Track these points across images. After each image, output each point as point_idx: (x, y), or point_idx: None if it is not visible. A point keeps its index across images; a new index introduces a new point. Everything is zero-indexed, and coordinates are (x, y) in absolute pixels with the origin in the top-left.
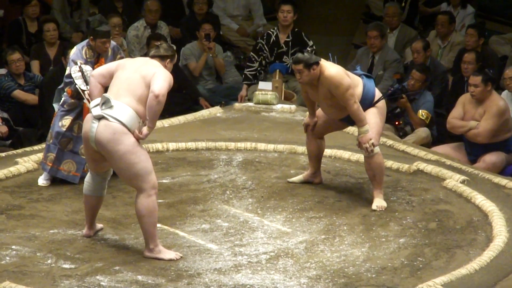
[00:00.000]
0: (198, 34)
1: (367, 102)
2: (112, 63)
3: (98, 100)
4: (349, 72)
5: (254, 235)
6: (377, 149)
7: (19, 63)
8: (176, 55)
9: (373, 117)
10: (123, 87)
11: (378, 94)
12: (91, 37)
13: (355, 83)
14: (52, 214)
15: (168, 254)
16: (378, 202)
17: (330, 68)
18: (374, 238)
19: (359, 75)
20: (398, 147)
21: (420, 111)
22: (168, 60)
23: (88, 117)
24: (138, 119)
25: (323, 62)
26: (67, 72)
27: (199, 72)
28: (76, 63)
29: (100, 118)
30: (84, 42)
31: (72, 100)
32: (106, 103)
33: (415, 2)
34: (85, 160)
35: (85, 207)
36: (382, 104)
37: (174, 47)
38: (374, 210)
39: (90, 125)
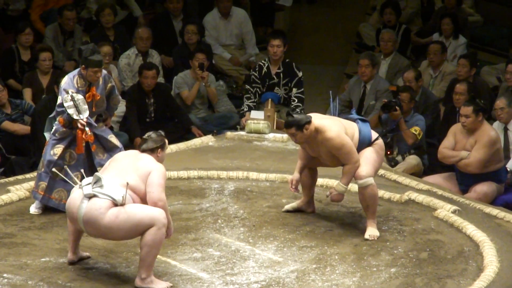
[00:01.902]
0: (191, 63)
1: (364, 145)
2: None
3: (89, 179)
4: (344, 120)
5: (246, 264)
6: (371, 180)
7: (1, 94)
8: (166, 142)
9: (369, 152)
10: (114, 173)
11: (374, 135)
12: (83, 66)
13: (351, 133)
14: (44, 242)
15: (159, 284)
16: (371, 231)
17: (330, 130)
18: (365, 267)
19: (354, 120)
20: (390, 177)
21: (413, 127)
22: (159, 150)
23: (73, 198)
24: (129, 199)
25: (319, 121)
26: (58, 101)
27: (192, 101)
28: (67, 92)
29: (90, 196)
30: (76, 71)
31: (64, 129)
32: (97, 182)
33: (408, 33)
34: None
35: (69, 230)
36: (379, 143)
37: (163, 133)
38: (367, 239)
39: (79, 205)
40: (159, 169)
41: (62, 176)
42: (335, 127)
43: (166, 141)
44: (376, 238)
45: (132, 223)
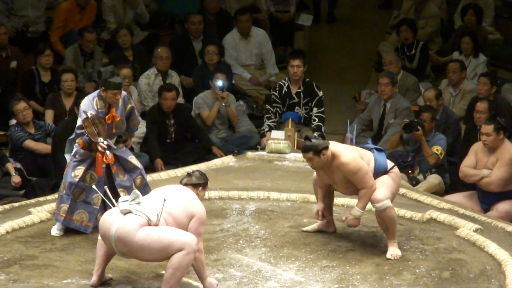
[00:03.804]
0: (211, 83)
1: (380, 174)
2: None
3: (127, 197)
4: (360, 148)
5: (268, 285)
6: (388, 203)
7: (25, 112)
8: (208, 182)
9: (385, 178)
10: (155, 199)
11: (390, 164)
12: (103, 88)
13: (367, 160)
14: (66, 264)
15: None
16: (393, 251)
17: (345, 155)
18: (387, 287)
19: (370, 149)
20: (411, 196)
21: (434, 146)
22: (201, 188)
23: (107, 213)
24: (164, 221)
25: (336, 147)
26: (78, 123)
27: (212, 121)
28: (86, 114)
29: (126, 213)
30: (95, 93)
31: (84, 151)
32: (135, 199)
33: (426, 50)
34: (98, 210)
35: (99, 253)
36: (395, 171)
37: (207, 175)
38: (389, 259)
39: (113, 221)
40: (202, 217)
41: (109, 199)
42: (350, 152)
43: (208, 181)
44: (398, 258)
45: (162, 244)
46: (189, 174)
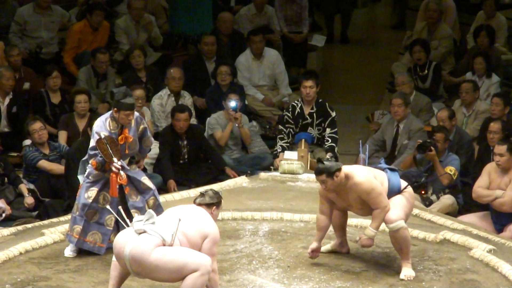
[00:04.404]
0: (224, 104)
1: (394, 194)
2: None
3: (141, 217)
4: (373, 169)
5: None
6: (402, 223)
7: (41, 132)
8: (222, 201)
9: (399, 198)
10: (170, 219)
11: (403, 184)
12: (115, 109)
13: (380, 180)
14: (79, 285)
15: None
16: (407, 272)
17: (359, 175)
18: None
19: (383, 169)
20: (424, 217)
21: (447, 167)
22: (214, 207)
23: (122, 233)
24: (178, 242)
25: (348, 168)
26: (91, 144)
27: (225, 142)
28: (99, 135)
29: (140, 232)
30: (108, 114)
31: (97, 172)
32: (149, 218)
33: (438, 70)
34: (111, 231)
35: (113, 274)
36: (409, 191)
37: (220, 194)
38: (402, 279)
39: (127, 241)
40: (215, 237)
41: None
42: (364, 172)
43: (222, 201)
44: (411, 278)
45: (177, 265)
46: (202, 194)
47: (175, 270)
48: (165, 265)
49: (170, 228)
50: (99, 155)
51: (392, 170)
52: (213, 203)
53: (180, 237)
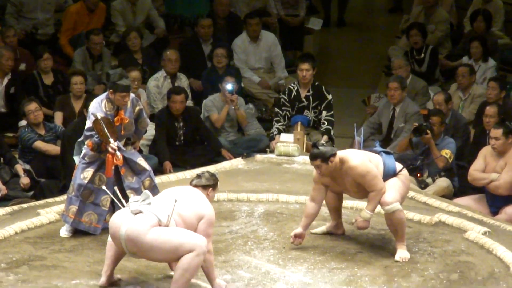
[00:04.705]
0: (220, 86)
1: (389, 177)
2: None
3: (137, 198)
4: (368, 153)
5: (276, 286)
6: (397, 206)
7: (36, 113)
8: (218, 184)
9: (395, 181)
10: (166, 199)
11: (399, 167)
12: (111, 90)
13: (375, 163)
14: (74, 265)
15: None
16: (401, 253)
17: (353, 159)
18: None
19: (378, 152)
20: (420, 199)
21: (443, 150)
22: (211, 189)
23: (117, 213)
24: (174, 223)
25: (343, 152)
26: (87, 125)
27: (221, 124)
28: (96, 116)
29: (136, 213)
30: (104, 95)
31: (93, 153)
32: (145, 199)
33: (435, 54)
34: (106, 212)
35: (108, 254)
36: (404, 173)
37: (216, 176)
38: (397, 261)
39: (123, 220)
40: (211, 218)
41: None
42: (358, 156)
43: (219, 183)
44: (406, 260)
45: (173, 245)
46: (198, 176)
47: (170, 250)
48: (161, 245)
49: (166, 208)
50: (95, 136)
51: (387, 153)
52: (209, 185)
53: (175, 218)
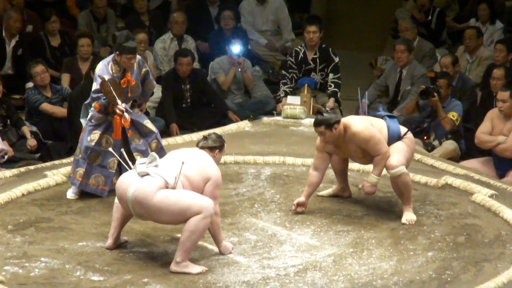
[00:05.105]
0: (227, 48)
1: (394, 141)
2: None
3: (144, 160)
4: (371, 117)
5: (282, 248)
6: (403, 169)
7: (43, 75)
8: (225, 145)
9: (399, 144)
10: (172, 160)
11: (403, 130)
12: (117, 52)
13: (379, 128)
14: (81, 227)
15: (194, 268)
16: (408, 216)
17: (356, 124)
18: (402, 251)
19: (382, 116)
20: (427, 162)
21: (450, 112)
22: (217, 150)
23: (124, 176)
24: (181, 185)
25: (346, 119)
26: (94, 87)
27: (228, 86)
28: (103, 78)
29: (143, 175)
30: (110, 57)
31: (100, 115)
32: (152, 161)
33: (442, 16)
34: (113, 174)
35: (115, 216)
36: (409, 137)
37: (223, 137)
38: (404, 224)
39: (130, 183)
40: (217, 180)
41: (125, 161)
42: (361, 121)
43: (225, 144)
44: (413, 223)
45: (180, 207)
46: (205, 137)
47: (178, 212)
48: (168, 207)
49: (173, 170)
50: (102, 98)
51: (390, 117)
52: (216, 147)
53: (182, 179)
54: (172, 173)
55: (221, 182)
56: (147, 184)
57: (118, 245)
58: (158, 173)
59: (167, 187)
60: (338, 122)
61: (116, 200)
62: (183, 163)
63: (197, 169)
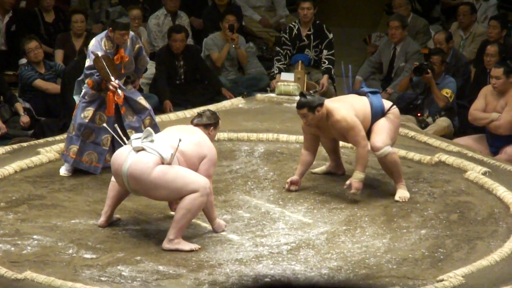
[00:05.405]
0: (221, 25)
1: (378, 116)
2: None
3: (139, 135)
4: (355, 99)
5: (276, 226)
6: (389, 149)
7: (37, 51)
8: (220, 122)
9: (383, 122)
10: (168, 136)
11: (387, 104)
12: (110, 28)
13: (362, 109)
14: (74, 204)
15: (186, 245)
16: (401, 193)
17: (339, 112)
18: (395, 229)
19: (365, 93)
20: (420, 139)
21: (444, 89)
22: (212, 127)
23: (119, 151)
24: (176, 161)
25: (330, 104)
26: (87, 63)
27: (222, 63)
28: (96, 55)
29: (138, 150)
30: (103, 34)
31: (93, 91)
32: (148, 136)
33: None
34: (107, 151)
35: (110, 194)
36: (393, 112)
37: (218, 114)
38: (397, 201)
39: (125, 158)
40: (213, 158)
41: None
42: (344, 110)
43: (220, 121)
44: (406, 200)
45: (177, 184)
46: (199, 114)
47: (175, 189)
48: (166, 184)
49: (168, 146)
50: (95, 74)
51: (373, 92)
52: (211, 124)
53: (178, 156)
54: (168, 149)
55: (216, 160)
56: (143, 160)
57: (111, 223)
58: (154, 148)
59: (162, 163)
60: (321, 105)
61: (112, 178)
62: (180, 140)
63: (193, 146)
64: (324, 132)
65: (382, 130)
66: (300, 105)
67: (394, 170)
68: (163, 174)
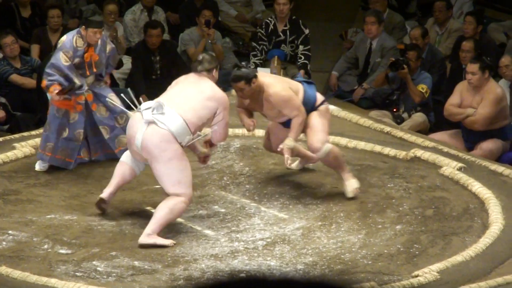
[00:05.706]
0: (197, 20)
1: (309, 107)
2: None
3: (150, 104)
4: (289, 80)
5: (251, 221)
6: (328, 147)
7: (13, 46)
8: (219, 64)
9: (317, 118)
10: (177, 97)
11: (320, 98)
12: (83, 26)
13: (295, 90)
14: (49, 199)
15: (162, 241)
16: (351, 185)
17: (273, 85)
18: (370, 225)
19: (300, 82)
20: (396, 134)
21: (420, 85)
22: (214, 70)
23: (132, 121)
24: (188, 131)
25: (264, 78)
26: (52, 60)
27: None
28: (64, 53)
29: (149, 122)
30: (75, 31)
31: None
32: (158, 108)
33: None
34: (80, 147)
35: (115, 173)
36: (324, 107)
37: (214, 55)
38: (352, 198)
39: (137, 130)
40: (225, 103)
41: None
42: (278, 83)
43: (219, 64)
44: (359, 191)
45: (173, 179)
46: (199, 61)
47: (168, 180)
48: (166, 170)
49: (179, 119)
50: (57, 78)
51: (308, 83)
52: (213, 68)
53: (189, 116)
54: (179, 122)
55: (228, 103)
56: (156, 134)
57: (102, 210)
58: (165, 122)
59: (174, 138)
60: (255, 76)
61: (122, 158)
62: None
63: (206, 101)
64: (258, 104)
65: (317, 128)
66: (236, 78)
67: (337, 163)
68: (178, 159)
